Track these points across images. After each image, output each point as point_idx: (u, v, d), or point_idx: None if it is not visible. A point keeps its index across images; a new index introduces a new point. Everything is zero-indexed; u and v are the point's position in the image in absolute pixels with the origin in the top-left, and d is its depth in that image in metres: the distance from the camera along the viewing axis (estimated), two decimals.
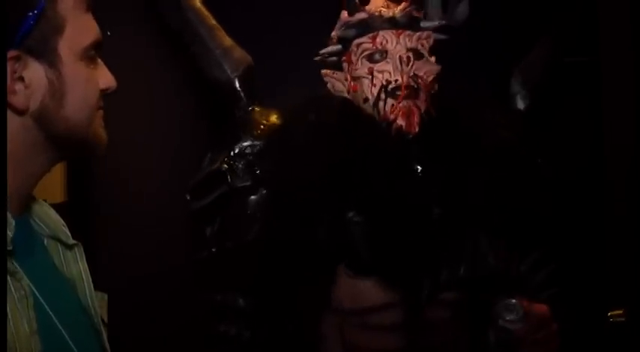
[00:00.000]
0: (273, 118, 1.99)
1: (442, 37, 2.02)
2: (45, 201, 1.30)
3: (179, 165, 2.27)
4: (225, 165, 1.93)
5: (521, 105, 2.12)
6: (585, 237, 2.14)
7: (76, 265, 1.29)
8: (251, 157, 1.93)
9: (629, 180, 2.18)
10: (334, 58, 2.04)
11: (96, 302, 1.31)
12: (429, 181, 1.90)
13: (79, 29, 1.17)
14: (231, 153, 1.93)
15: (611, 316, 2.22)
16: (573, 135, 2.28)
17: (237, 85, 2.01)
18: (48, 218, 1.28)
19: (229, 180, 1.92)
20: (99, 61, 1.23)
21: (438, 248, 1.89)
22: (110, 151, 2.18)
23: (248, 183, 1.91)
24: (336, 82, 2.03)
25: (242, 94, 2.02)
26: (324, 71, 2.05)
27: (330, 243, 1.87)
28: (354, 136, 1.93)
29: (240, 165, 1.92)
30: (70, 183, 2.24)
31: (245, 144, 1.94)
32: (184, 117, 2.38)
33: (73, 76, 1.16)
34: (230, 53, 2.03)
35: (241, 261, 1.91)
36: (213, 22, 2.05)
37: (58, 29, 1.14)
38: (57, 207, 1.31)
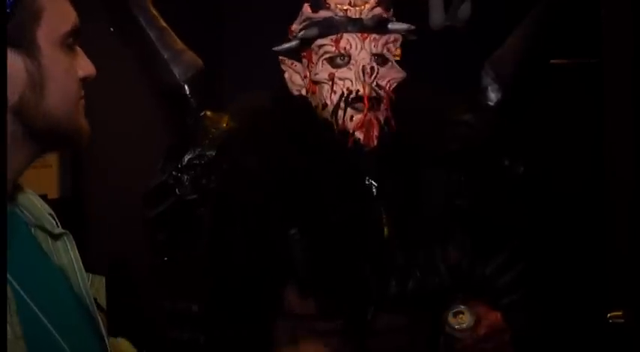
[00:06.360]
0: (223, 125, 1.91)
1: (412, 38, 1.90)
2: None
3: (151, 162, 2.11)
4: (173, 178, 1.88)
5: (492, 99, 1.96)
6: (581, 236, 2.12)
7: (67, 254, 1.24)
8: (199, 169, 1.87)
9: (629, 183, 2.09)
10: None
11: (90, 291, 1.26)
12: (381, 196, 1.83)
13: (57, 16, 1.10)
14: (179, 165, 1.88)
15: (611, 317, 2.18)
16: (554, 134, 2.16)
17: (186, 90, 1.92)
18: (33, 207, 1.22)
19: (177, 192, 1.87)
20: (77, 48, 1.16)
21: (385, 266, 1.80)
22: (101, 149, 2.23)
23: (195, 196, 1.87)
24: (295, 75, 1.91)
25: (192, 100, 1.93)
26: (281, 59, 1.92)
27: (274, 261, 1.81)
28: (306, 146, 1.84)
29: (187, 178, 1.87)
30: (63, 179, 2.32)
31: (193, 155, 1.88)
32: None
33: (53, 66, 1.09)
34: (180, 57, 1.93)
35: (191, 270, 1.88)
36: (163, 24, 1.94)
37: (36, 17, 1.07)
38: (51, 202, 1.11)
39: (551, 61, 2.08)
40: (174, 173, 1.88)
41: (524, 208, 1.93)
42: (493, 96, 1.97)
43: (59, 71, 1.11)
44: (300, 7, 1.93)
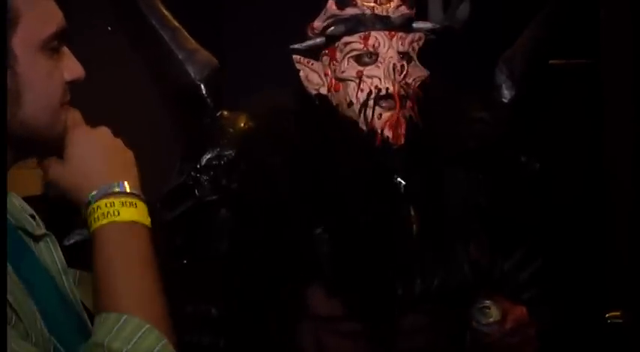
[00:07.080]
0: (241, 124, 1.88)
1: (431, 37, 1.88)
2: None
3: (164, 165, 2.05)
4: (192, 179, 1.84)
5: (506, 96, 1.97)
6: (579, 236, 2.12)
7: (50, 255, 1.22)
8: (218, 169, 1.83)
9: (629, 182, 2.10)
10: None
11: (75, 290, 1.24)
12: (409, 195, 1.81)
13: (37, 19, 1.06)
14: (198, 166, 1.84)
15: (609, 317, 2.19)
16: (565, 133, 2.17)
17: (202, 90, 1.89)
18: (14, 208, 1.17)
19: (196, 193, 1.83)
20: (64, 50, 1.11)
21: (413, 265, 1.79)
22: None
23: (215, 197, 1.83)
24: (312, 73, 1.86)
25: (208, 100, 1.89)
26: (296, 58, 1.87)
27: (297, 261, 1.78)
28: (331, 145, 1.82)
29: (206, 178, 1.84)
30: None
31: (212, 155, 1.84)
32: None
33: (31, 72, 1.05)
34: (194, 56, 1.89)
35: (212, 273, 1.83)
36: (176, 23, 1.91)
37: (11, 24, 1.03)
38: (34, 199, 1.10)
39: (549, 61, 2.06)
40: (192, 174, 1.84)
41: (541, 204, 1.94)
42: (507, 93, 1.97)
43: (39, 77, 1.07)
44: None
